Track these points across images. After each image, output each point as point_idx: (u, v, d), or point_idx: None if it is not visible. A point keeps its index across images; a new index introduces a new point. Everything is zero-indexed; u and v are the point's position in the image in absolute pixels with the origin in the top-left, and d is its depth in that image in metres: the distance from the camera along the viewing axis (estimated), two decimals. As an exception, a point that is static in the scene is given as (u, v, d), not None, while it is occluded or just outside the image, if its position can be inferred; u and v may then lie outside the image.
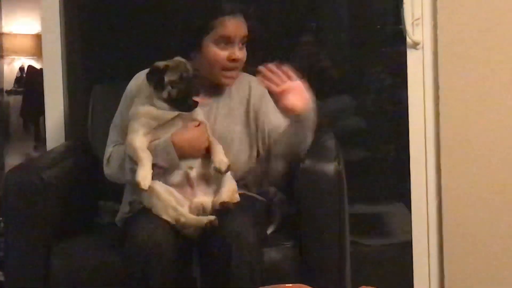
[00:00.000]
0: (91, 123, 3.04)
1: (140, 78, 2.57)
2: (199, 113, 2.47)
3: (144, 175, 2.29)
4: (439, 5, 2.96)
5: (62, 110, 3.28)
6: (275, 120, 2.59)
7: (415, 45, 3.05)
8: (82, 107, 3.21)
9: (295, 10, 3.48)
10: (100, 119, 2.98)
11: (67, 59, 3.33)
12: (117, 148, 2.53)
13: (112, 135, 2.61)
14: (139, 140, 2.36)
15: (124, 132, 2.46)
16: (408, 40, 3.06)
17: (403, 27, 3.06)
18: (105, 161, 2.57)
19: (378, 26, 3.45)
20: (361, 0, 3.48)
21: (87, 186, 2.82)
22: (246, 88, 2.64)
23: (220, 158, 2.39)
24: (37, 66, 7.23)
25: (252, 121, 2.61)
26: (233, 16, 2.53)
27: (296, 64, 3.42)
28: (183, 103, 2.40)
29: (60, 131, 3.27)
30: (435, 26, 3.00)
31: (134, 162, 2.35)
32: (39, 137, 6.53)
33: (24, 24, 7.52)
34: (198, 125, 2.44)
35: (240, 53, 2.55)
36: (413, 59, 3.07)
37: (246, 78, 2.67)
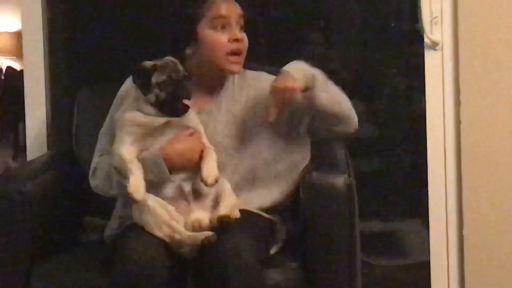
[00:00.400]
0: (76, 130, 3.03)
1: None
2: (192, 119, 2.46)
3: (136, 184, 2.29)
4: (460, 2, 2.96)
5: (44, 116, 3.29)
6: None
7: (433, 45, 3.06)
8: (66, 113, 3.21)
9: (301, 5, 3.48)
10: (86, 125, 2.98)
11: (50, 59, 3.34)
12: (104, 158, 2.53)
13: (100, 143, 2.61)
14: (127, 150, 2.35)
15: (113, 140, 2.46)
16: (426, 39, 3.07)
17: (420, 26, 3.07)
18: (91, 172, 2.58)
19: (393, 24, 3.45)
20: (375, -5, 3.48)
21: (72, 200, 2.81)
22: (251, 86, 2.64)
23: (209, 168, 2.37)
24: (17, 66, 7.27)
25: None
26: None
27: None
28: (172, 107, 2.39)
29: (41, 139, 3.27)
30: (455, 25, 3.01)
31: (121, 174, 2.35)
32: (18, 146, 6.56)
33: (2, 21, 7.55)
34: (192, 134, 2.43)
35: (241, 35, 2.56)
36: (431, 60, 3.08)
37: (249, 76, 2.67)
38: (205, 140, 2.46)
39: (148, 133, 2.39)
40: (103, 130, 2.62)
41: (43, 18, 3.30)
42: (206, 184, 2.35)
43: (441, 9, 3.04)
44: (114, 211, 2.60)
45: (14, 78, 6.71)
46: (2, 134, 6.70)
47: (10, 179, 2.67)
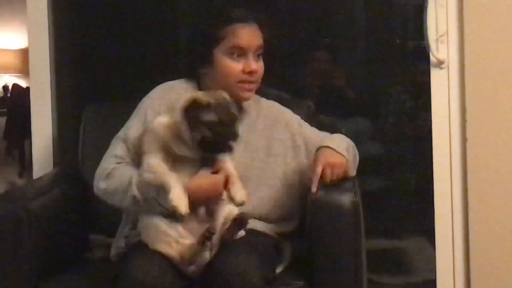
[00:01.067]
0: (82, 148, 3.03)
1: (160, 92, 2.57)
2: (227, 160, 2.37)
3: (179, 197, 2.22)
4: (466, 20, 2.96)
5: (50, 133, 3.29)
6: (315, 136, 2.62)
7: (439, 63, 3.06)
8: (73, 130, 3.21)
9: (306, 23, 3.49)
10: (92, 143, 2.98)
11: (56, 77, 3.34)
12: (124, 169, 2.43)
13: (117, 149, 2.51)
14: (159, 162, 2.28)
15: (134, 151, 2.43)
16: (431, 58, 3.06)
17: (426, 44, 3.06)
18: (103, 175, 2.46)
19: (398, 41, 3.46)
20: (380, 13, 3.48)
21: (78, 218, 2.81)
22: (267, 116, 2.63)
23: (238, 188, 2.32)
24: (23, 84, 7.28)
25: (285, 150, 2.61)
26: (246, 23, 2.52)
27: (307, 83, 3.45)
28: (215, 147, 2.28)
29: (48, 157, 3.27)
30: (461, 43, 3.01)
31: (156, 189, 2.29)
32: (25, 163, 6.55)
33: (8, 38, 7.56)
34: (217, 171, 2.35)
35: (257, 65, 2.53)
36: (437, 78, 3.07)
37: (264, 105, 2.66)
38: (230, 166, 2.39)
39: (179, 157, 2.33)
40: (120, 137, 2.53)
41: (50, 35, 3.30)
42: (235, 203, 2.32)
43: (447, 27, 3.04)
44: (119, 229, 2.59)
45: (21, 95, 6.70)
46: (8, 151, 6.69)
47: (16, 197, 2.68)
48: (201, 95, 2.29)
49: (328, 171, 2.43)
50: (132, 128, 2.53)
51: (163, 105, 2.52)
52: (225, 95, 2.32)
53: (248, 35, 2.51)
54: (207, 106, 2.25)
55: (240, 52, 2.50)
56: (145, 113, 2.53)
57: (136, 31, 3.43)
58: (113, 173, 2.44)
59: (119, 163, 2.47)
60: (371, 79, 3.52)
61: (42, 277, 2.51)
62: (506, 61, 2.94)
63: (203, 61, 2.53)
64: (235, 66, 2.50)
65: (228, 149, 2.30)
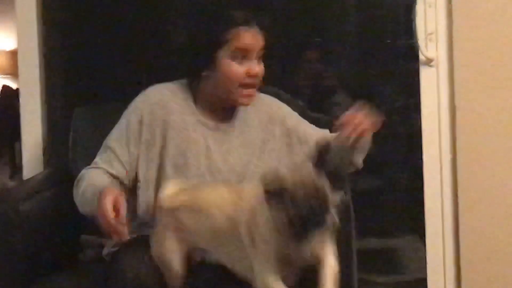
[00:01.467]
0: (73, 148, 3.03)
1: (143, 97, 2.56)
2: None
3: None
4: (455, 18, 2.98)
5: (41, 135, 3.29)
6: (315, 132, 2.62)
7: (428, 61, 3.07)
8: (63, 131, 3.21)
9: (297, 23, 3.49)
10: (82, 144, 2.98)
11: (46, 78, 3.34)
12: (86, 177, 2.45)
13: (98, 155, 2.53)
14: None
15: (116, 161, 2.46)
16: (421, 56, 3.08)
17: (415, 42, 3.08)
18: (77, 179, 2.49)
19: (388, 41, 3.47)
20: (370, 12, 3.48)
21: (69, 218, 2.80)
22: (265, 112, 2.63)
23: (332, 264, 2.17)
24: (13, 85, 7.28)
25: (279, 146, 2.62)
26: (249, 26, 2.51)
27: (298, 83, 3.46)
28: (307, 223, 2.04)
29: (38, 158, 3.27)
30: (450, 41, 3.02)
31: None
32: (15, 165, 6.56)
33: (-2, 39, 7.57)
34: None
35: (258, 68, 2.52)
36: (426, 77, 3.09)
37: (264, 100, 2.67)
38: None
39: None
40: (106, 145, 2.53)
41: (39, 36, 3.30)
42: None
43: (436, 26, 3.06)
44: None
45: (10, 97, 6.71)
46: (-2, 152, 6.70)
47: (6, 198, 2.67)
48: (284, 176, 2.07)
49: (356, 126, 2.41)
50: (112, 135, 2.54)
51: (145, 109, 2.53)
52: (316, 181, 2.08)
53: (252, 37, 2.49)
54: (291, 188, 2.03)
55: (243, 55, 2.49)
56: (128, 120, 2.53)
57: (128, 32, 3.43)
58: (81, 179, 2.47)
59: (92, 168, 2.50)
60: (361, 78, 3.52)
61: (33, 278, 2.51)
62: (495, 58, 2.96)
63: (205, 64, 2.52)
64: (239, 69, 2.48)
65: (322, 224, 2.07)
